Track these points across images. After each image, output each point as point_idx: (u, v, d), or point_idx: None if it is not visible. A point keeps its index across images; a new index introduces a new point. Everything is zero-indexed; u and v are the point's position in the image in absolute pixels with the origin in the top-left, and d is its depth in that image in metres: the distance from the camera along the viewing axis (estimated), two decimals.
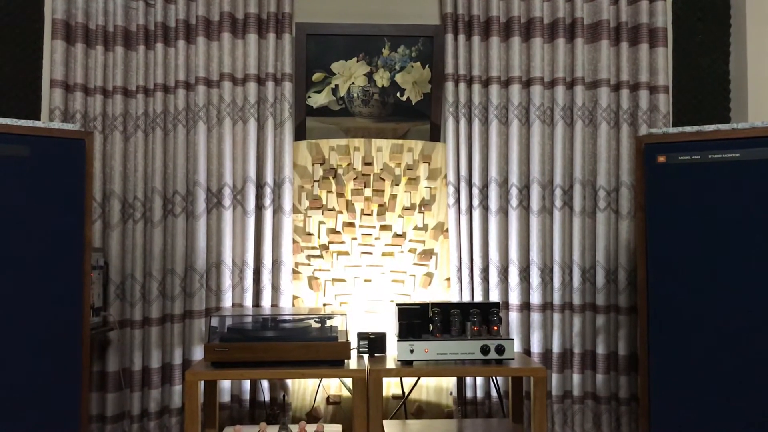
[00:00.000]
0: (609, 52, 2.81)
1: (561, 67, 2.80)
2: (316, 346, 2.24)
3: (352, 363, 2.32)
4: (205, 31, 2.76)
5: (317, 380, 2.71)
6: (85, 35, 2.73)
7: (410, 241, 2.80)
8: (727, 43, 2.89)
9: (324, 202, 2.80)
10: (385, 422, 2.54)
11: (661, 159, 2.24)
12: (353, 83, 2.89)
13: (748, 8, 2.83)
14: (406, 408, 2.72)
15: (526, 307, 2.80)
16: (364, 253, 2.78)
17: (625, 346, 2.71)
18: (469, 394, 2.76)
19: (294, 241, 2.78)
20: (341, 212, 2.79)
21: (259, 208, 2.78)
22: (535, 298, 2.76)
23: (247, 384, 2.74)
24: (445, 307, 2.41)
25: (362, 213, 2.79)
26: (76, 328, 2.18)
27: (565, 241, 2.78)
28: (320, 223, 2.79)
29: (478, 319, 2.34)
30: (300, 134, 2.87)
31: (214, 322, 2.34)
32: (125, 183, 2.75)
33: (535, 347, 2.75)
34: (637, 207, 2.31)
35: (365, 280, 2.78)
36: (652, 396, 2.24)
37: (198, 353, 2.72)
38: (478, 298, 2.77)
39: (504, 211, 2.80)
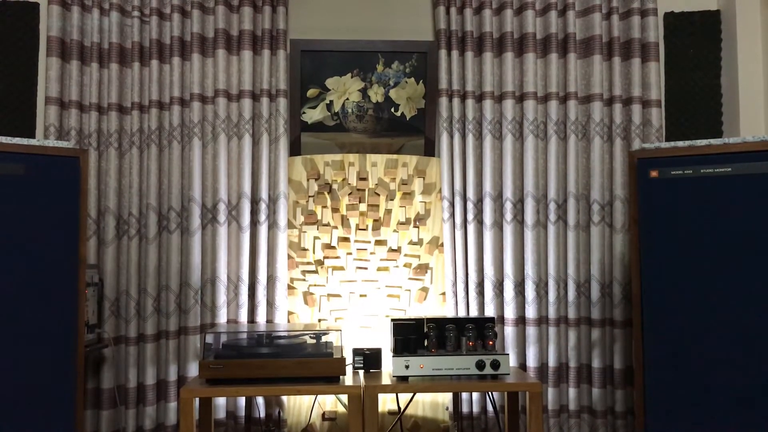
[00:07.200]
0: (601, 66, 2.83)
1: (554, 82, 2.82)
2: (311, 363, 2.23)
3: (348, 379, 2.31)
4: (200, 48, 2.78)
5: (312, 396, 2.70)
6: (80, 52, 2.74)
7: (405, 255, 2.80)
8: (719, 57, 2.92)
9: (319, 218, 2.80)
10: None
11: (654, 174, 2.26)
12: (348, 99, 2.91)
13: (739, 22, 2.85)
14: (402, 424, 2.71)
15: (521, 321, 2.80)
16: (359, 268, 2.79)
17: (621, 359, 2.72)
18: (465, 409, 2.75)
19: (289, 257, 2.78)
20: (336, 227, 2.80)
21: (254, 223, 2.78)
22: (531, 312, 2.76)
23: (242, 401, 2.73)
24: (440, 322, 2.41)
25: (357, 228, 2.80)
26: (71, 345, 2.17)
27: (559, 254, 2.79)
28: (315, 238, 2.79)
29: (473, 333, 2.34)
30: (295, 150, 2.88)
31: (209, 338, 2.34)
32: (120, 199, 2.75)
33: (531, 361, 2.75)
34: (631, 221, 2.32)
35: (360, 296, 2.78)
36: (648, 410, 2.24)
37: (193, 370, 2.71)
38: (474, 312, 2.77)
39: (498, 226, 2.81)
